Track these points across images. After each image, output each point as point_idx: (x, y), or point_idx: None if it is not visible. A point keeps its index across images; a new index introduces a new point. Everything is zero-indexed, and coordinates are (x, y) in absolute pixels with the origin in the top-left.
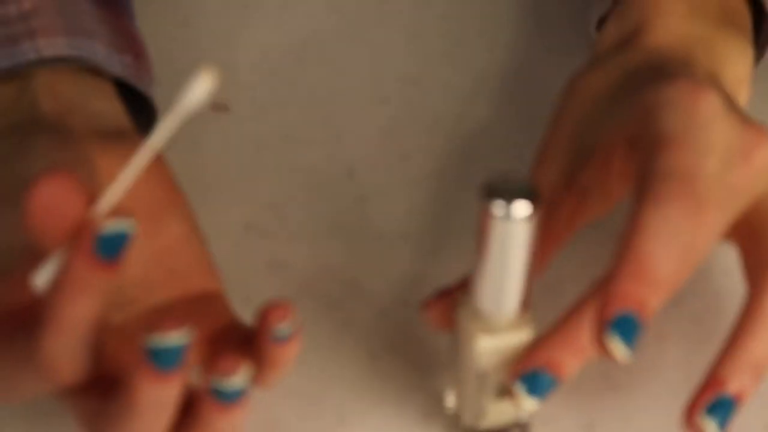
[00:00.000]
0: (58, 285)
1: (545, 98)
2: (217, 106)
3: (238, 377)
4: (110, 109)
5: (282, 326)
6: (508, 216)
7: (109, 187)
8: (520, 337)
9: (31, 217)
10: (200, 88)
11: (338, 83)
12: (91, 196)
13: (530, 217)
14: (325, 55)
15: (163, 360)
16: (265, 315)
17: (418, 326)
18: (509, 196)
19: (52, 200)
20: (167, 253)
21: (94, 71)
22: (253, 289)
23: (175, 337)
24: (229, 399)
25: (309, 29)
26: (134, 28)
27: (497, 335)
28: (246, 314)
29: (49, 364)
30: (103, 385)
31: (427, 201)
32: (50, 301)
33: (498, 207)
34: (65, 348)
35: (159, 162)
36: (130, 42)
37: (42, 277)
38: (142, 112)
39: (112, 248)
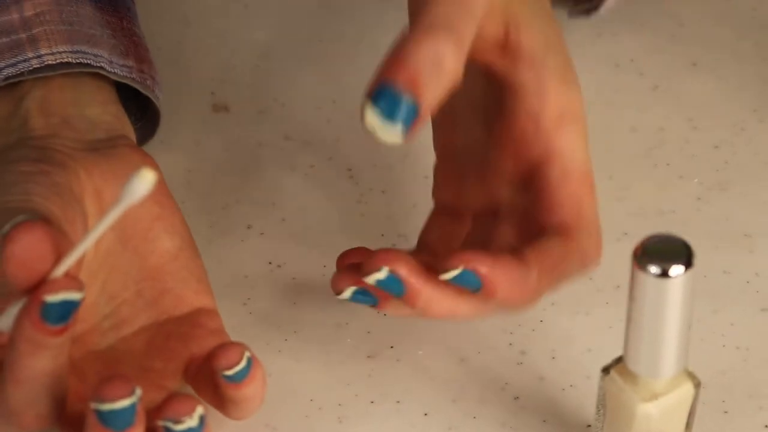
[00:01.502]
0: (12, 342)
1: None
2: (217, 106)
3: (191, 420)
4: (104, 115)
5: (232, 370)
6: (666, 276)
7: (71, 251)
8: (680, 394)
9: (6, 263)
10: (142, 186)
11: (339, 83)
12: (61, 252)
13: (687, 275)
14: (325, 56)
15: (114, 422)
16: (212, 358)
17: (417, 326)
18: (665, 258)
19: (25, 252)
20: (160, 272)
21: (96, 75)
22: (254, 290)
23: (124, 402)
24: None
25: (309, 30)
26: (138, 30)
27: (659, 399)
28: (247, 315)
29: (12, 414)
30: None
31: (427, 201)
32: (8, 356)
33: (655, 268)
34: (26, 399)
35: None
36: (133, 46)
37: (5, 322)
38: (148, 113)
39: (58, 315)
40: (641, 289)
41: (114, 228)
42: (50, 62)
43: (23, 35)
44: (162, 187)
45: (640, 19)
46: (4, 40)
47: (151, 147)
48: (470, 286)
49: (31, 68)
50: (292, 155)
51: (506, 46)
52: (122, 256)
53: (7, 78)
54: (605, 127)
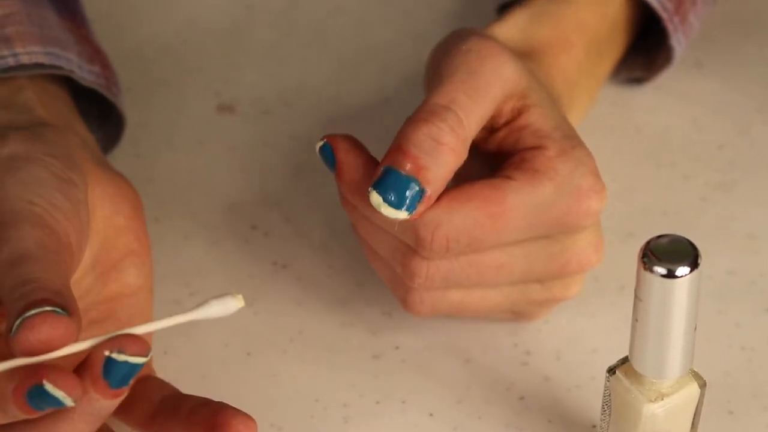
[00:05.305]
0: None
1: None
2: (222, 106)
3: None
4: (91, 137)
5: None
6: (672, 276)
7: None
8: (685, 395)
9: (18, 344)
10: (224, 309)
11: (342, 83)
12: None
13: (693, 276)
14: (329, 56)
15: (119, 377)
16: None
17: (422, 326)
18: (671, 258)
19: (40, 344)
20: (115, 301)
21: (59, 87)
22: (259, 290)
23: (138, 359)
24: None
25: (313, 29)
26: (95, 39)
27: (664, 399)
28: (252, 316)
29: None
30: None
31: None
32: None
33: (661, 269)
34: None
35: (138, 211)
36: (96, 53)
37: None
38: (106, 122)
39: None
40: (647, 290)
41: (91, 250)
42: (25, 62)
43: None
44: (144, 230)
45: None
46: None
47: (156, 147)
48: (328, 162)
49: (7, 66)
50: (297, 155)
51: (512, 125)
52: (88, 276)
53: None
54: (610, 128)
